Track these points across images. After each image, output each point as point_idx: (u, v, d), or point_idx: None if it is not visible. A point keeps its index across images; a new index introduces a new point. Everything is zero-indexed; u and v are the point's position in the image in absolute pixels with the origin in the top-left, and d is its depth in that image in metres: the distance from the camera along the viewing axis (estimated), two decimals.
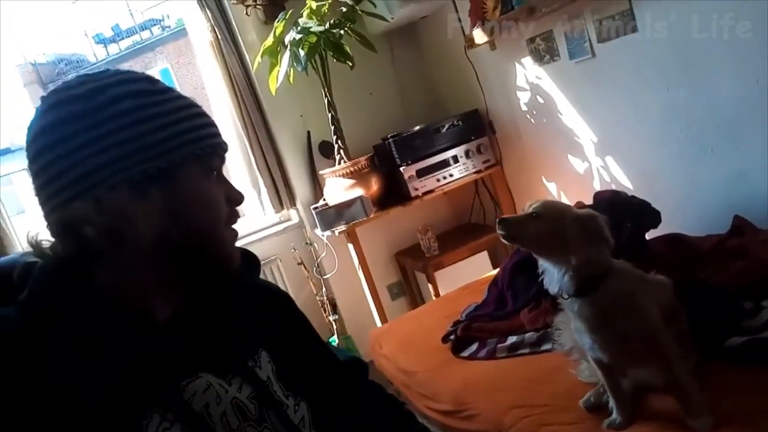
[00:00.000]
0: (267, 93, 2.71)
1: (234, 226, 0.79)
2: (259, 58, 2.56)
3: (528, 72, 2.56)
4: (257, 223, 3.16)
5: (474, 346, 1.86)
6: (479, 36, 2.51)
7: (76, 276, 0.68)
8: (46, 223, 0.70)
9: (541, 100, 2.56)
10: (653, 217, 1.84)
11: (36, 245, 0.71)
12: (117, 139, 0.66)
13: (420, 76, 3.27)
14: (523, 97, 2.66)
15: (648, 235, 1.92)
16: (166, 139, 0.69)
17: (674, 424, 1.20)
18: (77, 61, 17.34)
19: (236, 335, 0.78)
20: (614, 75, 2.15)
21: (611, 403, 1.30)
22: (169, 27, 16.51)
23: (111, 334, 0.66)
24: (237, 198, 0.79)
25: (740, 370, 1.30)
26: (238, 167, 3.00)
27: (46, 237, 0.71)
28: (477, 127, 2.90)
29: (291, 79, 2.58)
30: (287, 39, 2.48)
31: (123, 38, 17.53)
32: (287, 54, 2.46)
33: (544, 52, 2.41)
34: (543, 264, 1.27)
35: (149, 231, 0.69)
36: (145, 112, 0.69)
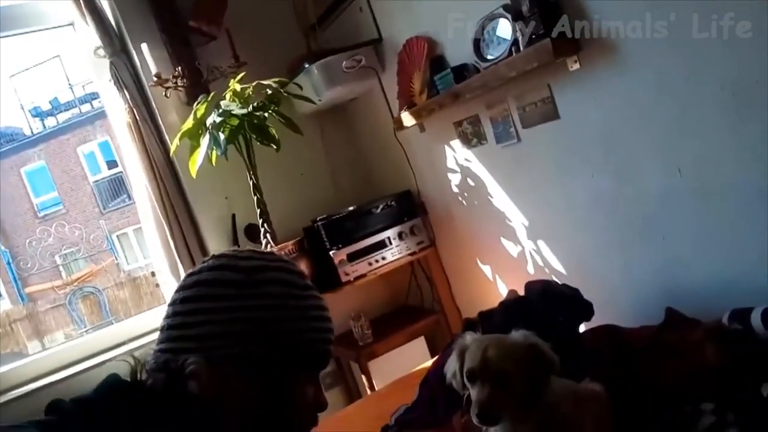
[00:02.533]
0: (189, 175, 2.56)
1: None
2: (177, 141, 2.43)
3: (457, 154, 2.54)
4: None
5: None
6: (407, 119, 2.48)
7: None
8: (154, 355, 0.76)
9: (471, 183, 2.52)
10: (586, 309, 1.76)
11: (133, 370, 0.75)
12: (254, 316, 0.75)
13: (351, 157, 3.21)
14: (454, 179, 2.62)
15: (582, 326, 1.85)
16: (293, 333, 0.77)
17: None
18: (11, 134, 16.75)
19: None
20: (540, 160, 2.13)
21: None
22: None
23: None
24: (323, 403, 0.84)
25: None
26: (157, 251, 2.80)
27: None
28: (409, 209, 2.83)
29: (213, 161, 2.46)
30: (208, 121, 2.38)
31: (61, 111, 17.11)
32: (207, 136, 2.35)
33: (472, 135, 2.39)
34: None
35: (240, 407, 0.74)
36: (286, 302, 0.78)
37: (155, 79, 2.52)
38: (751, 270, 1.60)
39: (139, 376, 0.76)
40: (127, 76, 2.71)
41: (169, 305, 0.79)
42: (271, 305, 0.76)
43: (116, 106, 2.69)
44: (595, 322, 1.81)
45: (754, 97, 1.42)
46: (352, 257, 2.68)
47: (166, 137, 2.72)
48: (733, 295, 1.58)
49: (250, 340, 0.74)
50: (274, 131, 2.47)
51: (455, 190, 2.64)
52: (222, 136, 2.31)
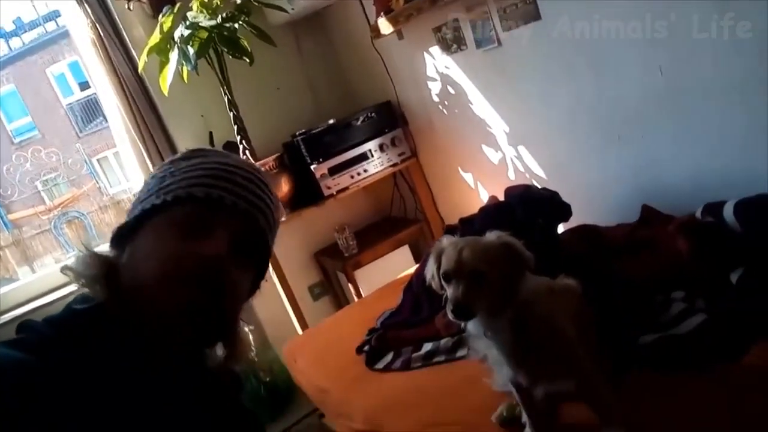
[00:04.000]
0: (161, 93, 2.49)
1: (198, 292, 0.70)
2: (145, 57, 2.34)
3: (437, 62, 2.47)
4: None
5: (389, 357, 1.77)
6: (385, 26, 2.39)
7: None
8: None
9: (451, 90, 2.48)
10: (564, 211, 1.80)
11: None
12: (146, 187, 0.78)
13: (329, 68, 3.12)
14: (434, 88, 2.57)
15: (561, 227, 1.89)
16: (154, 192, 0.75)
17: None
18: None
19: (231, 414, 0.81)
20: (521, 64, 2.09)
21: (524, 418, 1.24)
22: None
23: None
24: (208, 254, 0.71)
25: (652, 373, 1.26)
26: (136, 173, 2.76)
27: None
28: (390, 120, 2.79)
29: (184, 77, 2.38)
30: (176, 35, 2.27)
31: (26, 31, 16.19)
32: (176, 51, 2.26)
33: (452, 41, 2.32)
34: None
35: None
36: (167, 169, 0.79)
37: None
38: (727, 165, 1.63)
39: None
40: None
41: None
42: (161, 175, 0.78)
43: (79, 23, 2.55)
44: (574, 222, 1.86)
45: None
46: (334, 171, 2.67)
47: (134, 53, 2.61)
48: (708, 191, 1.62)
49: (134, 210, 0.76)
50: (245, 43, 2.37)
51: (435, 98, 2.60)
52: (191, 50, 2.22)
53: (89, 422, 0.60)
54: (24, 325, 0.69)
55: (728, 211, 1.49)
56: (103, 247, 0.79)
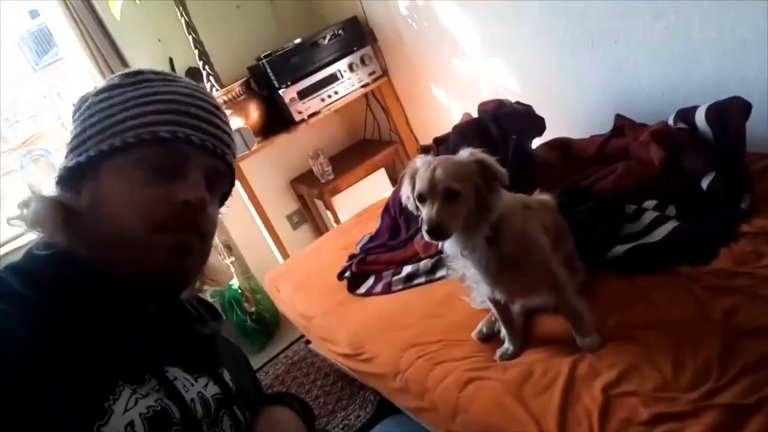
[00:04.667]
0: (113, 18, 2.33)
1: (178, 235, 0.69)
2: None
3: None
4: None
5: (370, 281, 1.78)
6: None
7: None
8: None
9: (420, 2, 2.37)
10: (538, 125, 1.78)
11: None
12: (85, 124, 0.70)
13: None
14: (402, 0, 2.45)
15: (536, 141, 1.87)
16: (103, 129, 0.69)
17: (565, 348, 1.19)
18: None
19: (204, 342, 0.77)
20: None
21: (503, 333, 1.27)
22: None
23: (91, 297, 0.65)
24: (184, 199, 0.68)
25: (624, 281, 1.29)
26: None
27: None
28: (358, 37, 2.67)
29: None
30: None
31: None
32: None
33: None
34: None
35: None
36: (109, 101, 0.71)
37: None
38: (700, 65, 1.60)
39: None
40: None
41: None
42: (98, 109, 0.70)
43: None
44: (548, 135, 1.84)
45: None
46: (303, 94, 2.58)
47: None
48: (681, 95, 1.60)
49: (76, 150, 0.70)
50: None
51: (404, 11, 2.48)
52: None
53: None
54: None
55: (700, 117, 1.48)
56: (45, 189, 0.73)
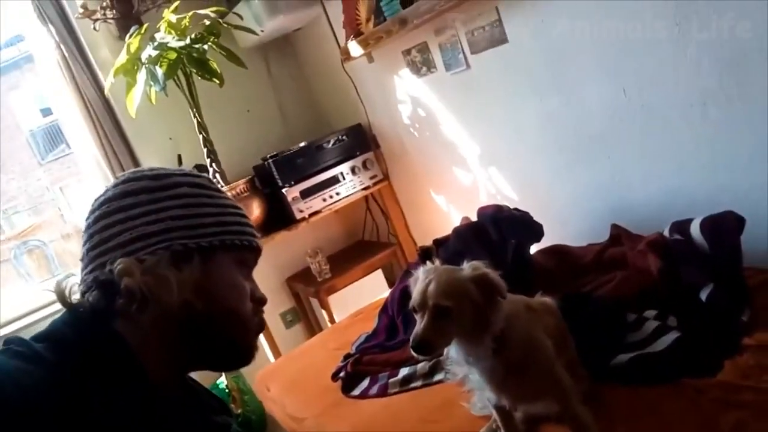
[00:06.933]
0: (128, 116, 2.44)
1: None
2: (112, 78, 2.29)
3: (407, 84, 2.49)
4: None
5: (365, 382, 1.73)
6: (355, 48, 2.41)
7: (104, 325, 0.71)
8: (82, 282, 0.74)
9: (422, 113, 2.50)
10: (536, 231, 1.80)
11: (61, 295, 0.74)
12: (169, 214, 0.74)
13: (299, 91, 3.12)
14: (405, 110, 2.59)
15: (534, 247, 1.90)
16: (211, 225, 0.77)
17: None
18: None
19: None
20: (490, 86, 2.11)
21: None
22: None
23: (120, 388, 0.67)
24: (261, 297, 0.85)
25: (630, 391, 1.26)
26: None
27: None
28: (361, 143, 2.79)
29: (152, 99, 2.34)
30: (144, 56, 2.24)
31: None
32: (144, 72, 2.22)
33: (421, 64, 2.34)
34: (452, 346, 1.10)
35: (178, 299, 0.72)
36: (198, 200, 0.78)
37: (81, 10, 2.34)
38: (692, 182, 1.66)
39: (69, 300, 0.74)
40: (51, 10, 2.50)
41: (84, 232, 0.76)
42: (185, 203, 0.76)
43: (43, 45, 2.50)
44: (546, 242, 1.87)
45: (694, 8, 1.43)
46: (306, 194, 2.65)
47: (100, 75, 2.56)
48: (675, 208, 1.65)
49: (171, 235, 0.73)
50: (215, 65, 2.35)
51: (406, 121, 2.61)
52: (160, 71, 2.19)
53: None
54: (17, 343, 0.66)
55: (695, 229, 1.51)
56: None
